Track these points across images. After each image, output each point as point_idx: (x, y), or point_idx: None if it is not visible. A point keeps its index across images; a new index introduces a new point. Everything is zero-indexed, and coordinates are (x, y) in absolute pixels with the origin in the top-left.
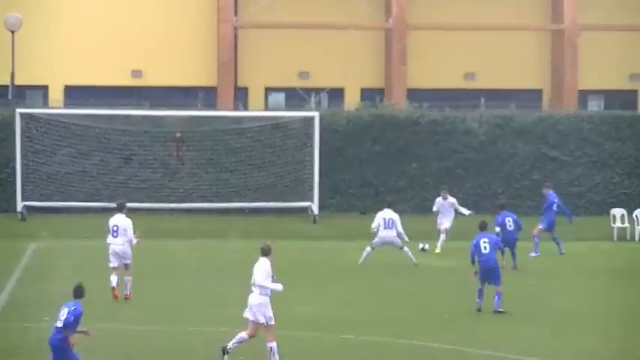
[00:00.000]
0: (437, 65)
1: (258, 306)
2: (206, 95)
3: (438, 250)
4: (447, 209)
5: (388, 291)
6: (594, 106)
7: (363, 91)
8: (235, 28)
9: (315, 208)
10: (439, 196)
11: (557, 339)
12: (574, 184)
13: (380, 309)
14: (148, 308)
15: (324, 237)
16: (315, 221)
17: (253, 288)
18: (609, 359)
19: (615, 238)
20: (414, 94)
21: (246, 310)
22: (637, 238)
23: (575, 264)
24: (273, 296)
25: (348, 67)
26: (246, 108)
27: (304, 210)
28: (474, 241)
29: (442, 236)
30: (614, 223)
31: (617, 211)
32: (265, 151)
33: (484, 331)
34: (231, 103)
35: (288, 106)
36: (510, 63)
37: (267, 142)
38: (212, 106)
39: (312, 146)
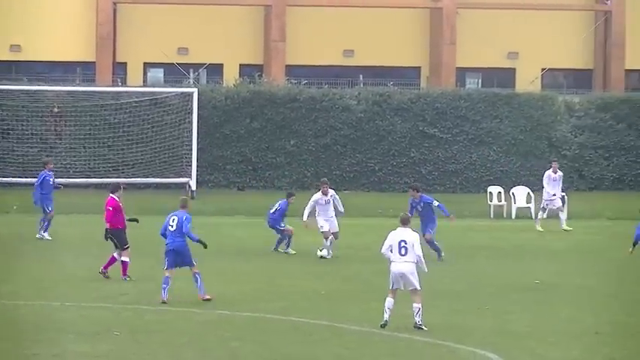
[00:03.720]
0: (316, 42)
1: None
2: (85, 70)
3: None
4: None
5: (267, 268)
6: (472, 83)
7: (241, 67)
8: (114, 3)
9: (192, 184)
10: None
11: (434, 316)
12: (451, 162)
13: (258, 285)
14: (24, 284)
15: (201, 213)
16: (192, 197)
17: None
18: (470, 333)
19: (492, 215)
20: (292, 71)
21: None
22: (513, 215)
23: (453, 241)
24: (150, 273)
25: (227, 44)
26: (124, 83)
27: (182, 186)
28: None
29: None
30: (490, 200)
31: (494, 189)
32: (143, 126)
33: (360, 309)
34: (109, 79)
35: (167, 82)
36: (389, 40)
37: (145, 118)
38: (91, 81)
39: (190, 122)
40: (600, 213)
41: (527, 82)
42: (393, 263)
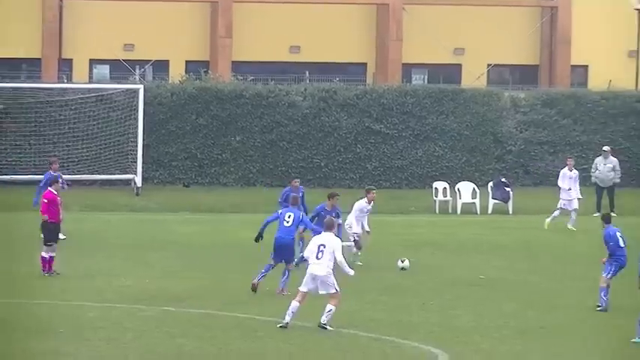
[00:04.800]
0: (262, 38)
1: None
2: (30, 67)
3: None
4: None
5: (212, 265)
6: (418, 79)
7: (187, 63)
8: (61, 0)
9: (138, 180)
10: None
11: (379, 312)
12: (397, 158)
13: (203, 282)
14: None
15: (147, 209)
16: (138, 194)
17: None
18: (415, 329)
19: (437, 211)
20: (239, 67)
21: None
22: (459, 211)
23: (398, 237)
24: (95, 270)
25: (173, 40)
26: (70, 80)
27: (127, 182)
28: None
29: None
30: (436, 196)
31: (440, 185)
32: (89, 123)
33: (305, 305)
34: (55, 75)
35: (113, 79)
36: (335, 36)
37: (91, 115)
38: (36, 77)
39: (136, 119)
40: (545, 209)
41: (473, 77)
42: (309, 265)
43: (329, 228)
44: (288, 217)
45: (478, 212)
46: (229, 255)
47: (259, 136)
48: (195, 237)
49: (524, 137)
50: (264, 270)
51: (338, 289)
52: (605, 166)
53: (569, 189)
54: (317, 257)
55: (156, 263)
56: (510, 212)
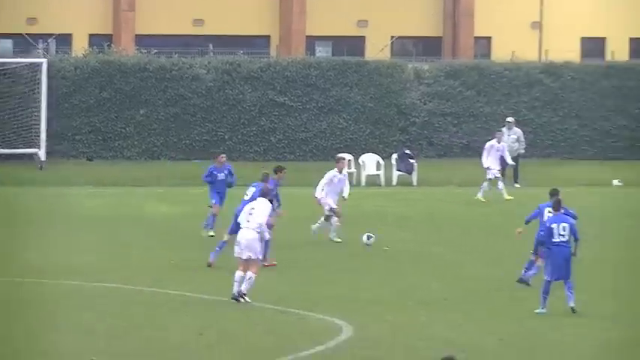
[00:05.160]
0: (165, 11)
1: None
2: None
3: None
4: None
5: (116, 238)
6: (322, 52)
7: (91, 37)
8: None
9: (42, 154)
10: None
11: (286, 285)
12: (301, 130)
13: (106, 255)
14: None
15: (50, 183)
16: (41, 168)
17: None
18: (320, 301)
19: None
20: (142, 41)
21: None
22: (363, 183)
23: (304, 210)
24: None
25: (76, 14)
26: None
27: (31, 157)
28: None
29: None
30: None
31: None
32: None
33: (209, 279)
34: None
35: (16, 53)
36: (238, 9)
37: None
38: None
39: (39, 93)
40: (449, 180)
41: (377, 50)
42: (240, 230)
43: (264, 195)
44: (249, 192)
45: (382, 184)
46: (133, 228)
47: (163, 110)
48: (99, 210)
49: (427, 109)
50: (217, 247)
51: (260, 258)
52: (510, 137)
53: (491, 166)
54: (247, 221)
55: (59, 237)
56: (415, 184)
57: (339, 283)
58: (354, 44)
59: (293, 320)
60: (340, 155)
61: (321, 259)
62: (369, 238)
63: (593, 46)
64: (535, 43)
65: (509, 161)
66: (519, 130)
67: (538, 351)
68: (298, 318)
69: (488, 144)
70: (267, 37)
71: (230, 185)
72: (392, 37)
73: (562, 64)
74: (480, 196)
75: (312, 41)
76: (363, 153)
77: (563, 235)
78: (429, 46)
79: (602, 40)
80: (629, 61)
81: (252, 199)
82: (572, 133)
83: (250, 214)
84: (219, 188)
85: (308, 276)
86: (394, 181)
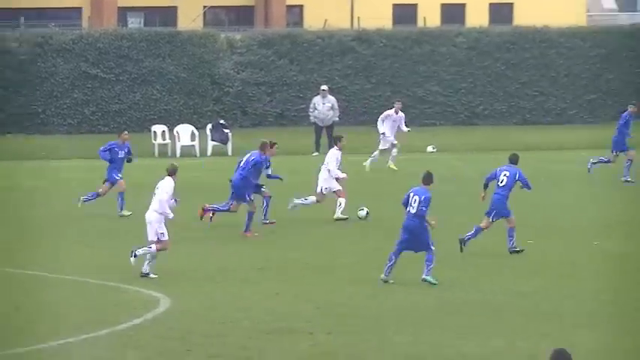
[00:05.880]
0: None
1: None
2: None
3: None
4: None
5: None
6: (135, 23)
7: None
8: None
9: None
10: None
11: (104, 258)
12: (115, 102)
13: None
14: None
15: None
16: None
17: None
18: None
19: (157, 154)
20: None
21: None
22: (178, 154)
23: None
24: None
25: None
26: None
27: None
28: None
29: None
30: (155, 139)
31: (158, 128)
32: None
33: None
34: None
35: None
36: None
37: None
38: None
39: None
40: None
41: (190, 20)
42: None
43: (170, 173)
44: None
45: (198, 155)
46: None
47: None
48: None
49: (241, 78)
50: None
51: (163, 239)
52: (324, 106)
53: (386, 133)
54: (152, 202)
55: None
56: (230, 154)
57: (157, 257)
58: (166, 14)
59: (112, 293)
60: (339, 135)
61: (130, 231)
62: (361, 210)
63: (405, 12)
64: (347, 11)
65: (404, 129)
66: (333, 97)
67: (350, 318)
68: (118, 291)
69: (385, 113)
70: (79, 9)
71: (130, 160)
72: (204, 6)
73: (374, 31)
74: (367, 164)
75: (124, 12)
76: (178, 124)
77: (413, 207)
78: (241, 16)
79: (414, 6)
80: (441, 27)
81: (246, 163)
82: (385, 100)
83: (154, 194)
84: (119, 166)
85: (123, 248)
86: (209, 151)
